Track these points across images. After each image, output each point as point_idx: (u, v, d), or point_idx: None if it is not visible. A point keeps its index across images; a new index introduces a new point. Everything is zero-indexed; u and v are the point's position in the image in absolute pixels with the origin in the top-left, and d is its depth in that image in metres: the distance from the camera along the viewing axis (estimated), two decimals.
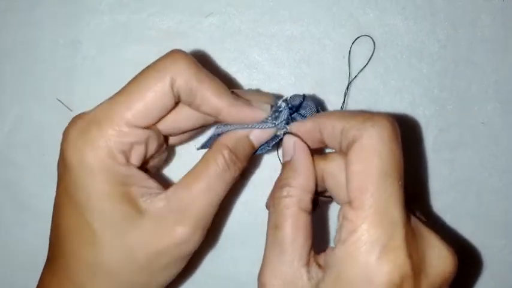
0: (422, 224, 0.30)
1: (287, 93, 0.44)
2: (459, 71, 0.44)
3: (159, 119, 0.32)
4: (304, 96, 0.36)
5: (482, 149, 0.44)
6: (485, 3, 0.44)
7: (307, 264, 0.30)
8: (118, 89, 0.41)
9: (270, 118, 0.35)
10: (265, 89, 0.44)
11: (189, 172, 0.33)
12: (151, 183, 0.33)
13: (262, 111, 0.34)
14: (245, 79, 0.45)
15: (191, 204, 0.32)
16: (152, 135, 0.33)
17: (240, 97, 0.34)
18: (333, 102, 0.44)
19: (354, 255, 0.27)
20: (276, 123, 0.35)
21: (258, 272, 0.32)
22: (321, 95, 0.44)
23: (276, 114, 0.35)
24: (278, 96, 0.37)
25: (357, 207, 0.28)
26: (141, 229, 0.31)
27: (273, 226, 0.31)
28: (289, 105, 0.35)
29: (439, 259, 0.29)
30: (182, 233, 0.32)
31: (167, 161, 0.43)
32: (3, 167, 0.45)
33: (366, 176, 0.28)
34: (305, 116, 0.36)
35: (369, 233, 0.27)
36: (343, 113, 0.32)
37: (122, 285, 0.33)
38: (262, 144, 0.36)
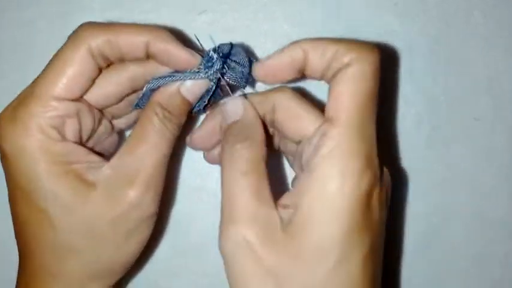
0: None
1: None
2: (451, 67, 0.44)
3: (85, 89, 0.33)
4: (231, 43, 0.36)
5: (475, 145, 0.45)
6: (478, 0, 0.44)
7: (276, 207, 0.30)
8: None
9: (202, 68, 0.33)
10: (260, 88, 0.44)
11: (129, 137, 0.33)
12: (94, 157, 0.33)
13: (193, 55, 0.33)
14: None
15: (137, 167, 0.32)
16: (82, 108, 0.33)
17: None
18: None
19: (338, 167, 0.28)
20: (209, 73, 0.34)
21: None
22: (316, 93, 0.44)
23: (209, 64, 0.34)
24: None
25: (340, 124, 0.29)
26: (93, 201, 0.31)
27: (239, 173, 0.31)
28: (220, 54, 0.34)
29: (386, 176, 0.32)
30: (134, 196, 0.31)
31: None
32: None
33: (353, 96, 0.29)
34: (239, 63, 0.35)
35: (354, 146, 0.29)
36: (334, 38, 0.32)
37: (88, 262, 0.33)
38: (198, 101, 0.35)
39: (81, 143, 0.34)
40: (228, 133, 0.33)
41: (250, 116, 0.34)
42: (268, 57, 0.33)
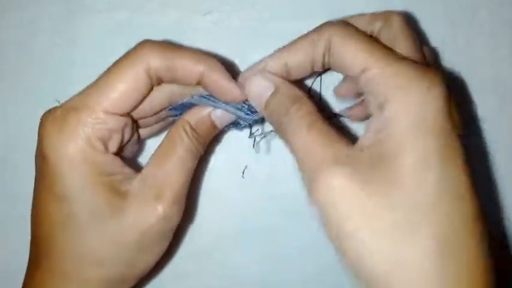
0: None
1: None
2: (457, 67, 0.44)
3: (136, 106, 0.33)
4: None
5: (482, 145, 0.45)
6: None
7: (353, 147, 0.29)
8: None
9: (245, 107, 0.35)
10: None
11: (157, 150, 0.34)
12: (128, 170, 0.34)
13: (239, 89, 0.34)
14: None
15: (166, 181, 0.33)
16: (128, 123, 0.33)
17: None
18: (337, 103, 0.44)
19: (414, 89, 0.28)
20: (248, 118, 0.35)
21: None
22: (324, 93, 0.44)
23: (252, 109, 0.35)
24: None
25: (376, 78, 0.29)
26: (124, 213, 0.32)
27: (305, 129, 0.30)
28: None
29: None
30: (161, 210, 0.32)
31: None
32: (3, 171, 0.44)
33: (362, 54, 0.30)
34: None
35: (405, 81, 0.28)
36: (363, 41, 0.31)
37: (108, 270, 0.33)
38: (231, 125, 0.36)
39: (118, 154, 0.34)
40: (273, 106, 0.33)
41: (280, 83, 0.33)
42: None
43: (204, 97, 0.34)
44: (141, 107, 0.34)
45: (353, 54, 0.30)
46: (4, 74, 0.44)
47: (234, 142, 0.44)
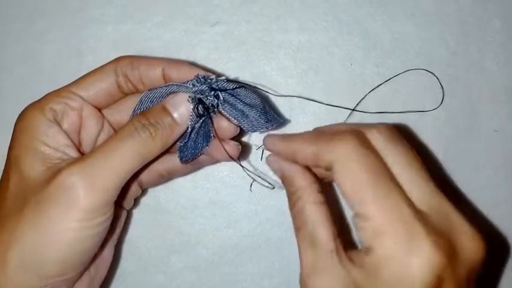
0: (448, 206, 0.30)
1: (295, 102, 0.44)
2: (470, 77, 0.44)
3: (102, 95, 0.35)
4: (240, 84, 0.35)
5: (495, 156, 0.44)
6: (495, 8, 0.44)
7: (341, 260, 0.30)
8: None
9: (190, 83, 0.33)
10: (274, 98, 0.44)
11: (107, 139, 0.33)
12: (71, 150, 0.33)
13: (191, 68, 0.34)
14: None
15: (104, 172, 0.31)
16: (92, 114, 0.35)
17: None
18: (342, 111, 0.43)
19: (382, 263, 0.28)
20: (194, 89, 0.33)
21: None
22: (330, 103, 0.43)
23: (198, 83, 0.33)
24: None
25: (366, 219, 0.29)
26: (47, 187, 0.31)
27: (297, 228, 0.32)
28: (216, 84, 0.34)
29: (469, 242, 0.29)
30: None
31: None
32: None
33: (358, 191, 0.29)
34: (246, 103, 0.35)
35: (389, 240, 0.28)
36: (309, 136, 0.33)
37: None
38: (186, 145, 0.34)
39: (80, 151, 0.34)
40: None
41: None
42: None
43: (153, 90, 0.34)
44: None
45: (352, 185, 0.30)
46: (11, 85, 0.44)
47: (241, 154, 0.43)
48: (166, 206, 0.43)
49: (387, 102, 0.43)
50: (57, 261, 0.30)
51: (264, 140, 0.36)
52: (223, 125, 0.35)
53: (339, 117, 0.43)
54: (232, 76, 0.44)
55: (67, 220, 0.29)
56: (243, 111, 0.34)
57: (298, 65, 0.44)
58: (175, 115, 0.33)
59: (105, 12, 0.44)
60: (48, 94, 0.34)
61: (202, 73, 0.34)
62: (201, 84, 0.33)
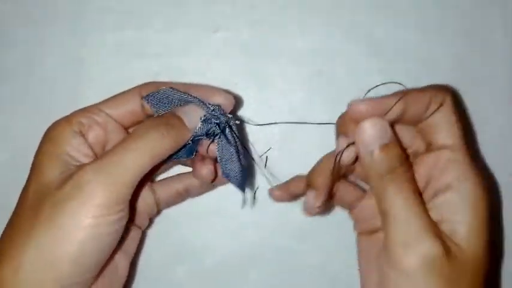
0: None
1: (298, 109, 0.43)
2: (474, 85, 0.43)
3: (126, 115, 0.36)
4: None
5: (499, 165, 0.44)
6: (498, 15, 0.43)
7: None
8: None
9: (214, 109, 0.35)
10: (277, 105, 0.43)
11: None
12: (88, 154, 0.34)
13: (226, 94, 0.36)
14: (255, 95, 0.44)
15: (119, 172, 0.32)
16: (117, 130, 0.36)
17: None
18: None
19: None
20: (211, 112, 0.35)
21: None
22: (333, 109, 0.43)
23: (214, 114, 0.35)
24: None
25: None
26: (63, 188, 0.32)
27: (412, 193, 0.31)
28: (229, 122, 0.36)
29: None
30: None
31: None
32: (6, 190, 0.43)
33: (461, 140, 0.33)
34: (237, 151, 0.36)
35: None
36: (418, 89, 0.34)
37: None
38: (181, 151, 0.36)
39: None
40: (380, 159, 0.31)
41: (393, 139, 0.32)
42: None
43: (174, 90, 0.35)
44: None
45: (448, 130, 0.33)
46: (13, 91, 0.44)
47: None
48: (171, 215, 0.43)
49: None
50: (69, 260, 0.30)
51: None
52: (211, 148, 0.36)
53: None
54: (234, 81, 0.44)
55: (81, 216, 0.30)
56: (230, 158, 0.36)
57: (302, 71, 0.44)
58: (187, 123, 0.35)
59: (106, 19, 0.44)
60: (77, 110, 0.36)
61: (222, 100, 0.36)
62: (219, 114, 0.35)
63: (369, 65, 0.43)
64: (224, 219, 0.43)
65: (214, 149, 0.36)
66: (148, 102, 0.36)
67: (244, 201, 0.36)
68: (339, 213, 0.43)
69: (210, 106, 0.35)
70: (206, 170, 0.37)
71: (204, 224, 0.43)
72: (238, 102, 0.42)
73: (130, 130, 0.38)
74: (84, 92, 0.43)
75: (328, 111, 0.43)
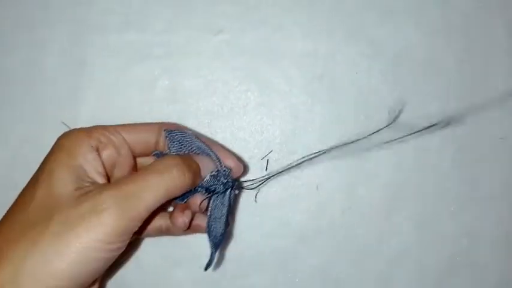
0: None
1: (299, 112, 0.43)
2: (476, 85, 0.43)
3: (140, 144, 0.37)
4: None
5: (502, 164, 0.43)
6: (501, 15, 0.43)
7: None
8: (124, 111, 0.42)
9: (216, 175, 0.37)
10: (278, 107, 0.43)
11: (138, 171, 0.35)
12: (102, 178, 0.35)
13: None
14: (256, 98, 0.44)
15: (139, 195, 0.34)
16: (128, 156, 0.37)
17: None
18: (347, 121, 0.43)
19: None
20: (221, 170, 0.37)
21: None
22: (334, 112, 0.43)
23: (219, 181, 0.37)
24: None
25: None
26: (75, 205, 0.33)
27: None
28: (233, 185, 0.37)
29: None
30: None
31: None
32: (6, 191, 0.43)
33: None
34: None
35: None
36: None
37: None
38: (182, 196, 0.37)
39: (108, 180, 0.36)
40: None
41: None
42: None
43: (198, 138, 0.37)
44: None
45: None
46: (14, 93, 0.44)
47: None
48: None
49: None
50: (68, 277, 0.31)
51: None
52: (204, 203, 0.37)
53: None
54: (234, 82, 0.44)
55: (91, 239, 0.31)
56: (219, 218, 0.37)
57: (303, 74, 0.44)
58: (201, 171, 0.36)
59: (108, 20, 0.44)
60: (97, 125, 0.36)
61: (233, 165, 0.37)
62: (228, 176, 0.37)
63: (371, 68, 0.43)
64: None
65: (205, 204, 0.37)
66: (167, 137, 0.37)
67: (210, 263, 0.37)
68: (339, 215, 0.43)
69: (223, 166, 0.37)
70: (181, 220, 0.37)
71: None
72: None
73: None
74: (85, 93, 0.43)
75: (329, 113, 0.43)
